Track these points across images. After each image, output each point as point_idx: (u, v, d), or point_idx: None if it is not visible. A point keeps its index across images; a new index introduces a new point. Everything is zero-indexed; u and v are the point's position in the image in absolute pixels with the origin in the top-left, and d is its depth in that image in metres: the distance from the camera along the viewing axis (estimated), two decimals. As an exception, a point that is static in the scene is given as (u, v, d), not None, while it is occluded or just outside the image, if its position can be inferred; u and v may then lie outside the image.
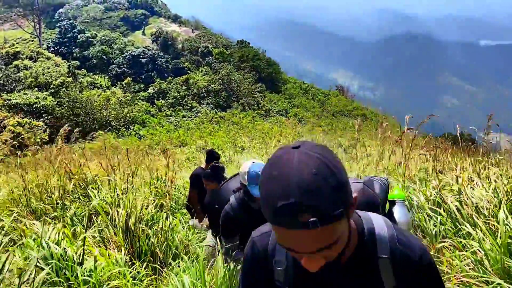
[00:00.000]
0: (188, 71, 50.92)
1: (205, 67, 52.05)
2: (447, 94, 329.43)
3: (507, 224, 3.10)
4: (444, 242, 3.70)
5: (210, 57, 54.34)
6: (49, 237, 3.33)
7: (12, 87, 37.00)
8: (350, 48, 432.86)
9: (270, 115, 44.91)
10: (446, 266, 3.26)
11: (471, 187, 4.18)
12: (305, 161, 0.96)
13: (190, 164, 17.71)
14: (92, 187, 6.08)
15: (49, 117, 33.12)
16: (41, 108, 33.50)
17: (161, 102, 42.64)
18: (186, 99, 43.94)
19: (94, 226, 4.41)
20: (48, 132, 31.25)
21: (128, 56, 50.79)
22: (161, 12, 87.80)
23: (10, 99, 33.63)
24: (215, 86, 46.13)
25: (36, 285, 2.78)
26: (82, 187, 6.14)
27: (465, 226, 3.47)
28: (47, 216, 4.85)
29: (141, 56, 50.41)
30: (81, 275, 3.10)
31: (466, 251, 3.24)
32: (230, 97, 46.21)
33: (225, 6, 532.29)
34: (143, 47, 53.58)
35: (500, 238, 3.01)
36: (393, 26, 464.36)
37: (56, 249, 3.15)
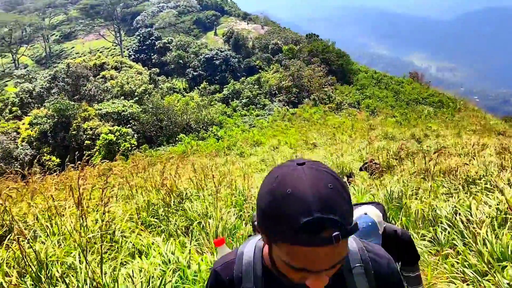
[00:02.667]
0: (260, 70, 52.45)
1: (275, 64, 53.28)
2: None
3: None
4: None
5: (280, 54, 55.45)
6: (167, 248, 4.70)
7: (102, 97, 40.68)
8: (424, 29, 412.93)
9: (342, 108, 45.21)
10: None
11: None
12: (318, 176, 0.96)
13: (264, 167, 18.93)
14: (186, 201, 7.54)
15: (135, 123, 36.12)
16: (128, 115, 36.62)
17: (236, 102, 44.52)
18: (258, 97, 45.51)
19: (194, 236, 5.76)
20: (135, 137, 34.23)
21: (202, 59, 53.32)
22: (231, 11, 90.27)
23: (101, 109, 37.09)
24: (285, 83, 47.26)
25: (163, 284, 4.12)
26: (178, 201, 7.59)
27: None
28: (154, 228, 6.33)
29: (215, 58, 52.70)
30: (190, 275, 4.43)
31: None
32: (301, 93, 47.11)
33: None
34: (216, 49, 55.84)
35: None
36: (469, 2, 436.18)
37: (172, 257, 4.51)
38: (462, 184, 7.77)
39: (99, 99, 39.99)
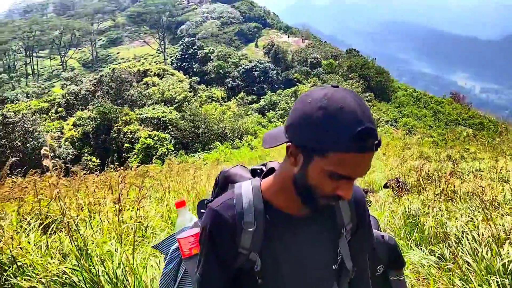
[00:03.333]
0: (297, 83, 52.89)
1: (313, 78, 53.61)
2: None
3: None
4: None
5: (318, 68, 55.78)
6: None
7: (143, 102, 42.08)
8: (470, 48, 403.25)
9: (378, 125, 44.95)
10: None
11: None
12: (356, 96, 1.08)
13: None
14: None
15: (173, 129, 37.16)
16: (167, 121, 37.72)
17: (272, 113, 45.05)
18: (294, 110, 45.91)
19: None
20: (172, 143, 35.19)
21: (242, 70, 54.33)
22: (273, 24, 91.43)
23: (141, 113, 38.38)
24: (323, 97, 47.52)
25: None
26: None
27: None
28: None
29: (254, 70, 53.60)
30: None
31: None
32: (338, 108, 47.22)
33: (338, 12, 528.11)
34: (256, 61, 56.75)
35: None
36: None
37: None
38: (484, 207, 7.90)
39: (140, 104, 41.36)
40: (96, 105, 37.18)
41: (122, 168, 29.40)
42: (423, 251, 4.92)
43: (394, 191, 10.98)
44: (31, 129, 32.31)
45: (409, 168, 21.33)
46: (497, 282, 3.19)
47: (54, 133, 36.11)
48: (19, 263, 3.37)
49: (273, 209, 1.28)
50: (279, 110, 45.64)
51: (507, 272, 3.20)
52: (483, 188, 9.22)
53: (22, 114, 33.54)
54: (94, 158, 32.98)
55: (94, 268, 3.24)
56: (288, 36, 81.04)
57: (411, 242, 5.61)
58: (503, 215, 5.95)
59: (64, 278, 3.14)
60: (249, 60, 59.46)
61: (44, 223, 5.01)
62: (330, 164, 1.09)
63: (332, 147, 1.06)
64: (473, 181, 14.12)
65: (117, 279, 3.20)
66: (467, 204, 8.22)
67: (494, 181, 14.15)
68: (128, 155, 33.93)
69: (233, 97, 50.16)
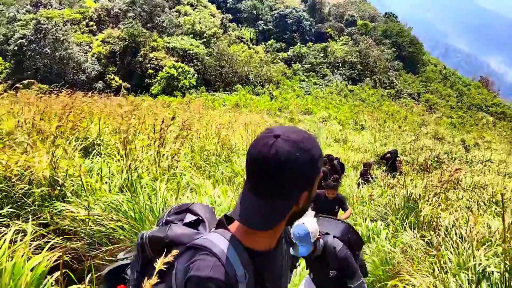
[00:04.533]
0: (329, 38, 52.11)
1: (346, 36, 52.74)
2: None
3: None
4: None
5: (353, 27, 54.67)
6: (215, 193, 5.78)
7: (173, 31, 42.00)
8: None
9: (401, 97, 44.76)
10: None
11: None
12: (296, 131, 1.25)
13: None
14: (234, 155, 8.62)
15: (198, 64, 37.34)
16: (193, 55, 37.85)
17: (298, 65, 44.85)
18: (321, 66, 45.60)
19: (235, 187, 6.80)
20: (195, 77, 35.56)
21: (276, 14, 53.41)
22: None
23: (169, 42, 38.48)
24: (352, 58, 46.98)
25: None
26: (227, 153, 8.65)
27: None
28: (205, 172, 7.43)
29: (288, 17, 52.67)
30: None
31: None
32: (364, 71, 46.81)
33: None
34: (292, 8, 55.61)
35: None
36: None
37: (219, 200, 5.58)
38: (486, 202, 8.43)
39: (169, 32, 41.33)
40: (127, 25, 37.26)
41: (145, 93, 29.96)
42: (414, 235, 5.51)
43: (392, 167, 11.62)
44: (61, 38, 32.77)
45: (420, 146, 21.78)
46: (467, 277, 3.80)
47: (83, 46, 36.56)
48: (70, 186, 3.96)
49: (255, 252, 1.33)
50: (305, 64, 45.38)
51: (476, 271, 3.80)
52: (485, 185, 9.82)
53: (55, 22, 33.86)
54: (117, 78, 33.59)
55: (143, 201, 3.87)
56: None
57: (406, 224, 6.21)
58: (496, 214, 6.51)
59: (117, 205, 3.79)
60: (285, 6, 58.22)
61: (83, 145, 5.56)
62: (315, 187, 1.30)
63: (317, 175, 1.26)
64: (478, 173, 14.61)
65: (159, 213, 3.85)
66: (467, 195, 8.79)
67: (499, 176, 14.61)
68: (150, 81, 34.50)
69: (263, 42, 49.69)
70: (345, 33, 53.73)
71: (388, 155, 12.33)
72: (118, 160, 5.18)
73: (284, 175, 1.18)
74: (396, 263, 5.01)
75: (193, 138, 8.94)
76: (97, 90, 24.50)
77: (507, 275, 3.59)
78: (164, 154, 5.85)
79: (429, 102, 44.57)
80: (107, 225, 3.58)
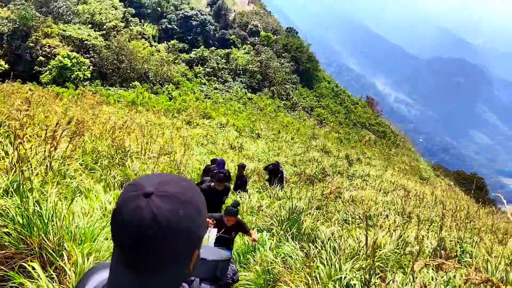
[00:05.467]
0: (232, 46, 52.81)
1: (249, 45, 53.85)
2: (480, 129, 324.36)
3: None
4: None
5: (256, 38, 56.01)
6: (106, 198, 5.58)
7: (70, 18, 39.51)
8: (397, 58, 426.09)
9: (295, 109, 46.83)
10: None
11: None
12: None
13: (206, 142, 19.82)
14: (128, 158, 8.37)
15: (95, 56, 35.57)
16: (90, 46, 35.97)
17: (200, 68, 44.78)
18: (222, 72, 46.04)
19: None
20: (90, 70, 33.84)
21: (180, 15, 52.84)
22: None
23: (65, 30, 36.17)
24: (253, 67, 48.12)
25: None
26: (121, 157, 8.39)
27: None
28: (95, 174, 7.13)
29: (193, 18, 52.39)
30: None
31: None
32: (263, 82, 48.18)
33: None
34: (197, 10, 55.43)
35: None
36: (448, 49, 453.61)
37: (110, 207, 5.41)
38: (360, 216, 9.21)
39: (66, 20, 38.82)
40: (19, 7, 34.29)
41: (33, 82, 27.85)
42: (295, 246, 5.86)
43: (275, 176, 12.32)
44: None
45: (309, 158, 22.97)
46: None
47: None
48: None
49: None
50: (207, 67, 45.47)
51: (342, 284, 4.22)
52: (362, 199, 10.71)
53: None
54: (3, 62, 30.76)
55: (32, 208, 3.64)
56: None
57: (289, 235, 6.58)
58: (370, 227, 7.16)
59: (4, 210, 3.53)
60: (191, 7, 57.88)
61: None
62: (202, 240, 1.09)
63: (204, 224, 1.06)
64: (358, 187, 15.87)
65: (49, 219, 3.65)
66: (345, 209, 9.53)
67: (375, 190, 15.94)
68: (40, 69, 32.15)
69: (165, 41, 48.84)
70: (248, 42, 54.83)
71: (271, 166, 12.89)
72: (3, 157, 4.82)
73: (171, 242, 0.94)
74: (277, 272, 5.29)
75: (85, 138, 8.56)
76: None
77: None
78: (54, 157, 5.55)
79: (320, 116, 47.18)
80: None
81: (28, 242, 3.36)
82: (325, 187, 8.41)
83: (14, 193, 3.82)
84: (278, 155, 21.39)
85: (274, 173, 12.43)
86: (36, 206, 3.65)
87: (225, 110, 35.23)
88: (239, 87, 45.00)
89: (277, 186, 11.28)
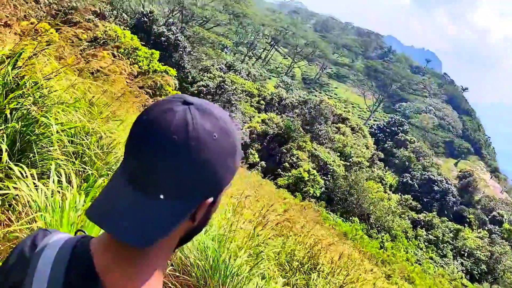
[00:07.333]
0: (466, 224, 49.43)
1: (485, 231, 49.45)
2: None
3: None
4: None
5: (496, 226, 51.16)
6: None
7: (325, 141, 44.04)
8: None
9: None
10: None
11: None
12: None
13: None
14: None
15: (331, 180, 38.22)
16: (331, 170, 39.05)
17: (423, 232, 42.93)
18: (445, 245, 43.06)
19: None
20: (321, 191, 36.12)
21: (425, 175, 53.16)
22: (485, 157, 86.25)
23: (316, 149, 40.23)
24: (480, 254, 43.65)
25: None
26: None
27: None
28: None
29: (436, 184, 52.14)
30: None
31: None
32: (486, 274, 42.94)
33: None
34: (444, 178, 54.71)
35: None
36: None
37: None
38: None
39: (321, 142, 43.21)
40: (288, 118, 40.04)
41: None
42: None
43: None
44: (233, 102, 36.69)
45: None
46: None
47: (246, 116, 39.86)
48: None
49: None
50: (430, 235, 43.15)
51: None
52: None
53: (236, 87, 38.15)
54: (256, 156, 35.67)
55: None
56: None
57: None
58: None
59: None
60: (439, 173, 57.19)
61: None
62: (220, 200, 0.87)
63: (231, 177, 0.84)
64: None
65: None
66: None
67: None
68: (282, 172, 36.00)
69: (400, 194, 48.90)
70: (485, 228, 50.29)
71: None
72: None
73: (191, 161, 0.74)
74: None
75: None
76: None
77: None
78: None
79: None
80: None
81: (208, 282, 3.85)
82: None
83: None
84: None
85: None
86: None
87: (430, 284, 32.31)
88: (456, 267, 40.94)
89: None
